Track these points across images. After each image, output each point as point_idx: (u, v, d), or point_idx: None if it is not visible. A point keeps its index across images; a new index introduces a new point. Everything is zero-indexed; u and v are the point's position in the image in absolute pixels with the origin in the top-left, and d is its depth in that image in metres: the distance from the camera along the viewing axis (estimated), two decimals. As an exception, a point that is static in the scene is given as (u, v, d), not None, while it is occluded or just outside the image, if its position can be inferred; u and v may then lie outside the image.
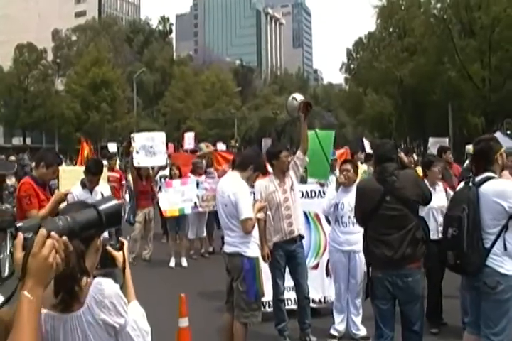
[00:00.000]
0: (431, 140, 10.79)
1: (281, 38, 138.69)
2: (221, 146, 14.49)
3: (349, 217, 3.96)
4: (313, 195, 4.63)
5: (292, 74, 73.53)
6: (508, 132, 24.25)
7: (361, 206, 3.03)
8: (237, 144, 31.87)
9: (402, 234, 2.85)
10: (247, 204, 3.28)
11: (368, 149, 8.68)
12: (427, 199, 2.96)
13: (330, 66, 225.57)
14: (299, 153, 4.04)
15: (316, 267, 4.57)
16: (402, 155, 5.53)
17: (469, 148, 7.44)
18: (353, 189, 3.60)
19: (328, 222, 4.40)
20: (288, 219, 3.85)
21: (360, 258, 3.78)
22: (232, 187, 3.33)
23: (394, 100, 41.50)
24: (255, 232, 3.38)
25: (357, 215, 3.16)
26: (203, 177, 7.14)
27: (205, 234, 7.32)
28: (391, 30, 40.93)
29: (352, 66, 50.17)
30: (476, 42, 27.83)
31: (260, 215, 3.42)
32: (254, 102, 53.45)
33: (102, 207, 1.22)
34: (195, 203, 6.72)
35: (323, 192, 4.50)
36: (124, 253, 1.49)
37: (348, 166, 4.08)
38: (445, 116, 31.25)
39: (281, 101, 55.91)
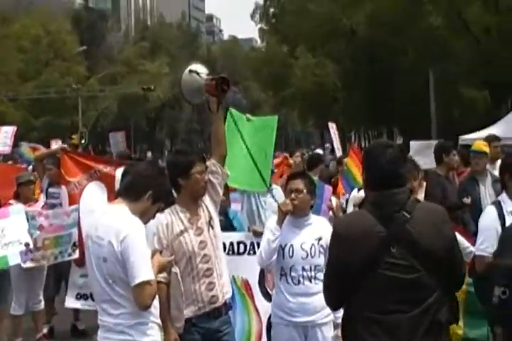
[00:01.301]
0: (414, 145, 11.85)
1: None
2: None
3: (303, 269, 4.34)
4: (241, 249, 5.12)
5: (172, 23, 72.74)
6: (528, 115, 24.83)
7: (343, 264, 3.06)
8: (82, 142, 32.03)
9: (416, 314, 2.96)
10: (143, 258, 3.42)
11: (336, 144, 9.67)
12: (457, 269, 3.15)
13: (233, 10, 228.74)
14: (213, 163, 4.25)
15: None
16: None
17: (480, 144, 7.54)
18: (311, 221, 4.45)
19: (267, 297, 4.99)
20: (207, 278, 4.07)
21: (324, 335, 4.33)
22: (119, 227, 3.44)
23: (341, 65, 41.93)
24: (155, 307, 3.57)
25: (332, 281, 3.18)
26: (40, 202, 7.50)
27: (42, 304, 7.53)
28: None
29: (271, 10, 50.33)
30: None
31: (162, 276, 3.71)
32: (110, 71, 52.83)
33: None
34: (27, 246, 6.79)
35: (259, 246, 4.78)
36: None
37: (299, 184, 4.43)
38: (424, 90, 32.01)
39: (153, 69, 55.32)
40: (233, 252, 5.06)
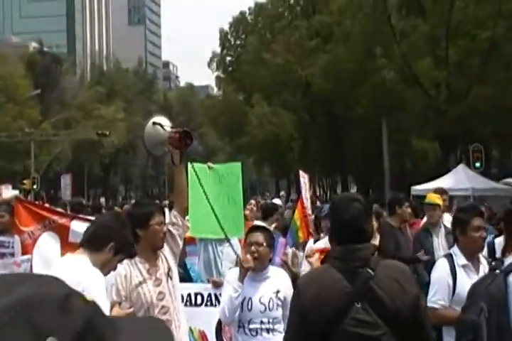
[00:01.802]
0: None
1: (108, 7, 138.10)
2: (8, 191, 15.33)
3: (261, 322, 4.31)
4: (198, 300, 5.11)
5: (128, 69, 72.77)
6: (477, 165, 25.49)
7: (308, 321, 3.03)
8: (34, 187, 31.61)
9: None
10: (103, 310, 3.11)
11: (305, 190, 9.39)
12: (423, 330, 3.09)
13: (191, 57, 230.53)
14: (174, 214, 4.34)
15: None
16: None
17: (433, 196, 7.60)
18: (270, 274, 4.43)
19: None
20: None
21: None
22: (77, 279, 3.29)
23: (296, 115, 42.45)
24: None
25: (296, 339, 3.12)
26: None
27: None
28: (292, 2, 42.27)
29: (228, 58, 50.87)
30: (426, 24, 29.01)
31: None
32: (64, 115, 52.32)
33: None
34: None
35: (216, 297, 4.94)
36: None
37: (259, 237, 4.40)
38: (376, 140, 32.48)
39: (108, 114, 55.04)
40: (190, 303, 5.00)
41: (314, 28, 39.50)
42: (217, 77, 52.26)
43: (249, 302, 4.34)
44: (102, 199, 53.64)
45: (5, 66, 48.75)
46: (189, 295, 5.10)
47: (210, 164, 5.77)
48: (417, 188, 20.75)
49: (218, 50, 50.78)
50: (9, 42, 72.72)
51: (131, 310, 3.79)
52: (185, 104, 76.52)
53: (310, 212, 9.29)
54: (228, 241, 6.04)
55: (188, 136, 4.24)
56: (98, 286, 3.45)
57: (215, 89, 61.41)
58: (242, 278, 4.36)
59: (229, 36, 50.27)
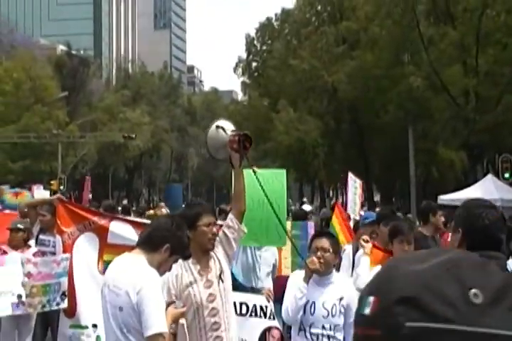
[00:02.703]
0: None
1: (135, 11, 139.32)
2: (40, 192, 15.35)
3: (323, 327, 4.27)
4: (243, 310, 5.13)
5: (153, 72, 73.29)
6: (506, 175, 25.28)
7: None
8: (61, 188, 31.76)
9: None
10: (158, 310, 3.47)
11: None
12: None
13: (216, 62, 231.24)
14: (230, 217, 4.31)
15: None
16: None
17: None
18: (333, 279, 4.41)
19: None
20: (214, 332, 4.04)
21: None
22: (136, 278, 3.50)
23: (322, 121, 42.47)
24: None
25: None
26: (31, 250, 7.34)
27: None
28: (319, 8, 42.25)
29: (254, 64, 50.99)
30: (456, 31, 28.90)
31: (170, 326, 3.65)
32: (91, 117, 52.58)
33: None
34: (20, 298, 6.68)
35: (262, 308, 5.10)
36: None
37: (325, 243, 4.40)
38: (403, 148, 32.44)
39: (134, 117, 55.37)
40: (236, 312, 5.01)
41: (341, 34, 39.40)
42: (243, 83, 52.34)
43: (313, 306, 4.32)
44: (125, 201, 54.03)
45: (34, 67, 49.14)
46: (234, 303, 5.02)
47: (255, 168, 5.54)
48: (444, 198, 20.62)
49: (244, 55, 50.89)
50: (38, 44, 73.27)
51: (185, 308, 3.82)
52: (209, 109, 76.69)
53: (358, 217, 9.16)
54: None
55: (247, 139, 4.27)
56: (155, 285, 3.56)
57: (240, 95, 61.47)
58: (307, 280, 4.34)
59: (255, 42, 50.26)
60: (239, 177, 4.35)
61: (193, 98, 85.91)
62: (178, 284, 4.07)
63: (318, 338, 4.29)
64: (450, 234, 7.82)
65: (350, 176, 9.33)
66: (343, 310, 4.37)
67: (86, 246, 6.73)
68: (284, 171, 5.94)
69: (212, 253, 4.20)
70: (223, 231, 4.24)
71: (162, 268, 3.72)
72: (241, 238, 4.42)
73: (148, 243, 3.73)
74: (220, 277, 4.14)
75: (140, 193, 72.15)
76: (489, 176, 23.36)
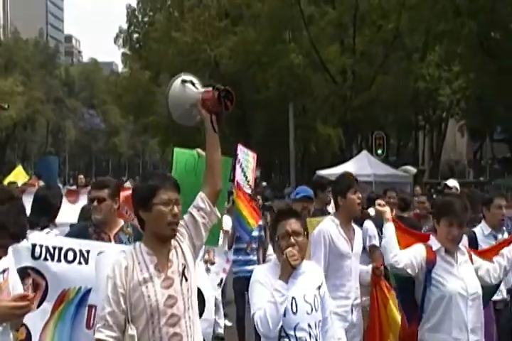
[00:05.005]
0: None
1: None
2: None
3: (309, 326, 3.51)
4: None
5: (28, 40, 70.05)
6: (379, 151, 26.71)
7: None
8: None
9: None
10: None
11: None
12: None
13: (96, 32, 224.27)
14: (202, 197, 3.34)
15: None
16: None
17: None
18: (304, 268, 3.59)
19: None
20: None
21: None
22: None
23: (204, 94, 42.18)
24: None
25: None
26: None
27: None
28: (202, -20, 41.83)
29: (135, 35, 49.99)
30: (335, 11, 30.01)
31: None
32: None
33: None
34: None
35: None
36: None
37: (296, 225, 3.63)
38: (283, 124, 33.20)
39: (7, 86, 52.80)
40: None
41: (224, 8, 39.39)
42: (124, 54, 51.21)
43: (294, 303, 3.53)
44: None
45: None
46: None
47: (199, 150, 4.61)
48: (322, 173, 21.61)
49: (125, 26, 49.68)
50: None
51: (20, 294, 2.99)
52: (88, 80, 74.74)
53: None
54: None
55: (229, 96, 3.32)
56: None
57: (121, 66, 60.17)
58: (287, 277, 3.52)
59: (136, 12, 49.27)
60: (215, 146, 3.41)
61: (70, 69, 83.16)
62: (128, 280, 3.13)
63: None
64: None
65: (240, 148, 8.07)
66: (322, 302, 3.66)
67: None
68: (229, 159, 4.92)
69: (174, 242, 3.24)
70: (190, 213, 3.30)
71: None
72: (214, 225, 3.44)
73: None
74: (183, 274, 3.20)
75: (14, 167, 69.28)
76: (364, 152, 24.61)
